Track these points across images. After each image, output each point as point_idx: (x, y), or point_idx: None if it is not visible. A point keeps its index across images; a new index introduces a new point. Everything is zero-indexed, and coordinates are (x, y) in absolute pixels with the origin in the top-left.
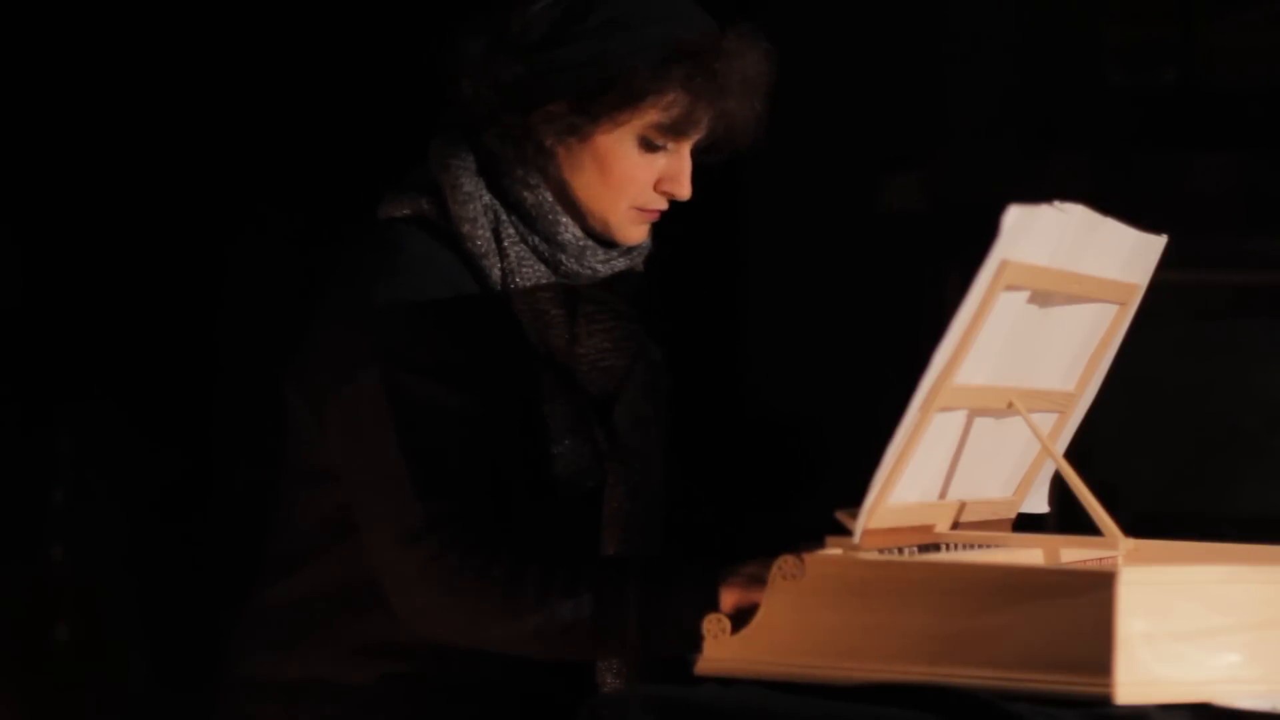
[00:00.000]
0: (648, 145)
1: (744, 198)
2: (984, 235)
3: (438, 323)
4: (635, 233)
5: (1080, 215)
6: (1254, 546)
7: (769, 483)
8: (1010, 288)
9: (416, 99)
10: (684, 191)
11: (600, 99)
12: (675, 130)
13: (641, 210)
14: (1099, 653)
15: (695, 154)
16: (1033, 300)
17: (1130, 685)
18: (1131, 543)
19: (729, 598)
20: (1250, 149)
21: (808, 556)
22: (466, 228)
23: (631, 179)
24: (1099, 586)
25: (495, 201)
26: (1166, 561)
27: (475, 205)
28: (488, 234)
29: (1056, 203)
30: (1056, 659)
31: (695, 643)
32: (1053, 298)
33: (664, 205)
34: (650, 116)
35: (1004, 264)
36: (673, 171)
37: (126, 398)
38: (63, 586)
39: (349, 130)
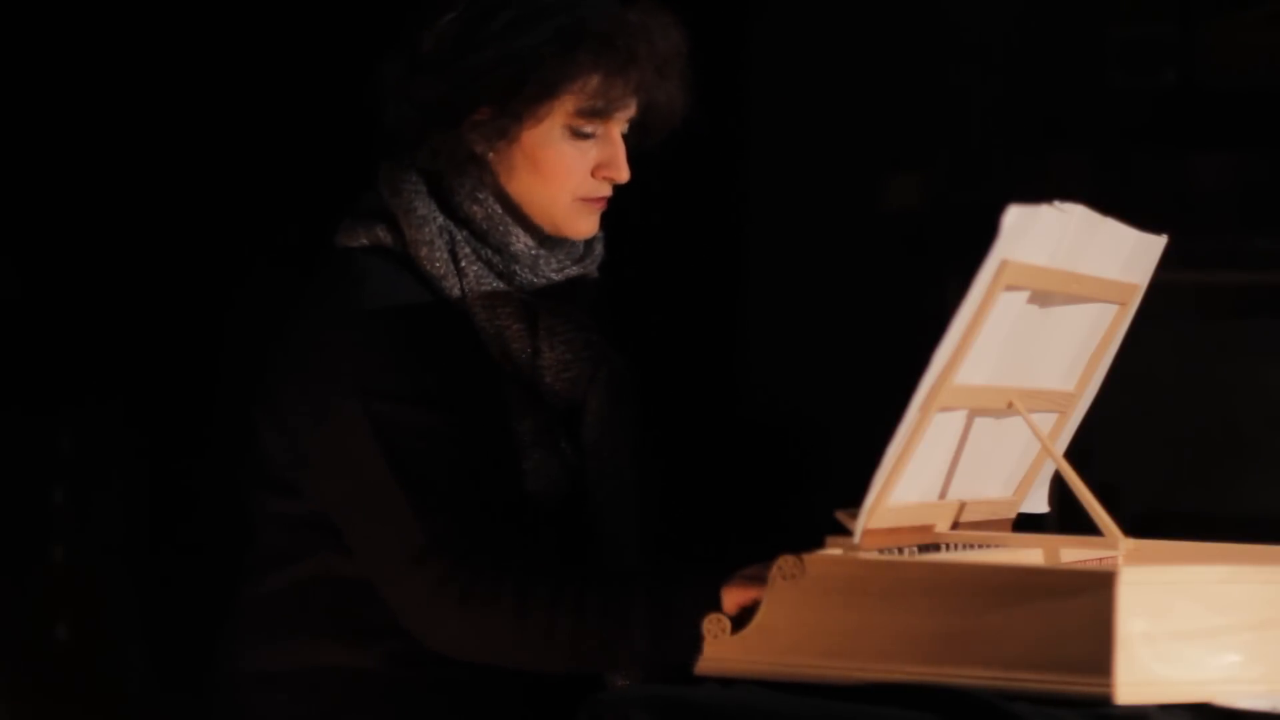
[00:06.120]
0: (575, 134)
1: (744, 197)
2: (984, 235)
3: (406, 349)
4: (584, 225)
5: (1080, 215)
6: (1254, 546)
7: (769, 483)
8: (1010, 288)
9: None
10: (621, 174)
11: (518, 96)
12: (597, 113)
13: (585, 200)
14: (1099, 653)
15: (633, 140)
16: (1033, 300)
17: (1130, 685)
18: (1131, 543)
19: (729, 599)
20: (1250, 149)
21: (808, 556)
22: (424, 250)
23: (566, 170)
24: (1099, 586)
25: (449, 222)
26: (1166, 561)
27: (430, 228)
28: (445, 254)
29: (1056, 203)
30: (1056, 659)
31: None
32: (1053, 298)
33: (607, 191)
34: (570, 104)
35: (1004, 264)
36: (606, 156)
37: (127, 398)
38: (63, 586)
39: (356, 135)
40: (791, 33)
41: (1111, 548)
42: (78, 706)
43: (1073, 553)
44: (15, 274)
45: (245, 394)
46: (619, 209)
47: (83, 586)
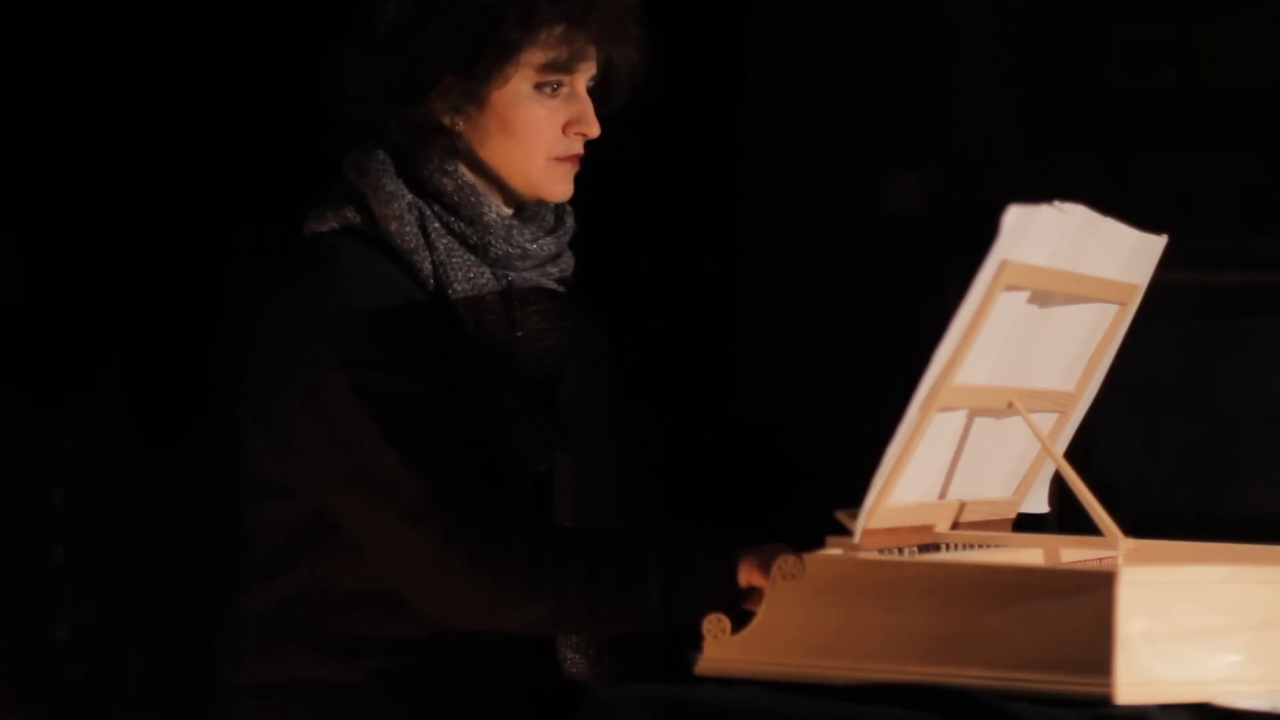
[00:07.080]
0: (543, 90)
1: (744, 197)
2: (984, 235)
3: (385, 323)
4: (560, 186)
5: (1080, 215)
6: (1254, 546)
7: (768, 483)
8: (1010, 288)
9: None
10: (592, 128)
11: (482, 58)
12: (562, 66)
13: (560, 160)
14: (1099, 653)
15: (597, 105)
16: (1033, 300)
17: (1130, 685)
18: (1131, 543)
19: (747, 572)
20: (1250, 149)
21: (808, 556)
22: (394, 226)
23: (538, 128)
24: (1099, 586)
25: (418, 199)
26: (1166, 561)
27: (399, 204)
28: (414, 229)
29: (1056, 203)
30: (1056, 659)
31: (718, 606)
32: (1053, 298)
33: (579, 149)
34: (535, 59)
35: (1004, 264)
36: (575, 113)
37: (128, 397)
38: (63, 586)
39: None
40: (792, 33)
41: (1111, 548)
42: (78, 706)
43: (1073, 553)
44: (16, 275)
45: (233, 393)
46: (620, 210)
47: (83, 586)
